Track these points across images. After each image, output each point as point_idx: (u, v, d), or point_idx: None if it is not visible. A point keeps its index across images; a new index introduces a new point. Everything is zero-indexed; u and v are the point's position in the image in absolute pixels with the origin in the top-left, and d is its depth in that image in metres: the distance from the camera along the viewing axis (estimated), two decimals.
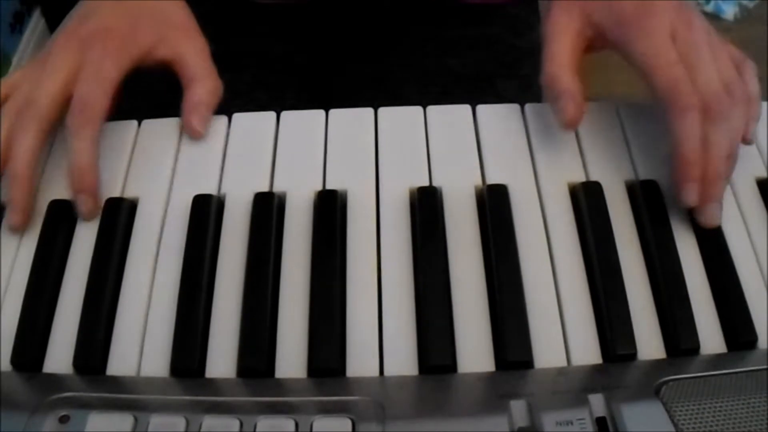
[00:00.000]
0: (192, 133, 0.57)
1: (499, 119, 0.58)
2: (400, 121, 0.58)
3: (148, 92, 0.63)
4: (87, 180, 0.53)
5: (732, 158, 0.51)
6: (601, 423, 0.40)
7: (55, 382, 0.45)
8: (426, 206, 0.52)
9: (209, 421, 0.41)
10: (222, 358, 0.46)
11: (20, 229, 0.53)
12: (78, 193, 0.53)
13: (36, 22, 1.85)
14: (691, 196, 0.49)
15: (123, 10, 0.57)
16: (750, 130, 0.52)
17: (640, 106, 0.57)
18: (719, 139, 0.50)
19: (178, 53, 0.58)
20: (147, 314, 0.48)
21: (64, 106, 0.54)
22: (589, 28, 0.55)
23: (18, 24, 1.78)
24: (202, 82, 0.58)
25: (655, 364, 0.45)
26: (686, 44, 0.52)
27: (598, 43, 0.56)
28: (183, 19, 0.61)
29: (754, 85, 0.53)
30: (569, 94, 0.53)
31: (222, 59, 0.61)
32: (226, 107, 0.59)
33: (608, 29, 0.54)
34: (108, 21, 0.56)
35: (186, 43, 0.59)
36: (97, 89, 0.53)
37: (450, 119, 0.58)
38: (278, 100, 0.78)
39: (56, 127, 0.55)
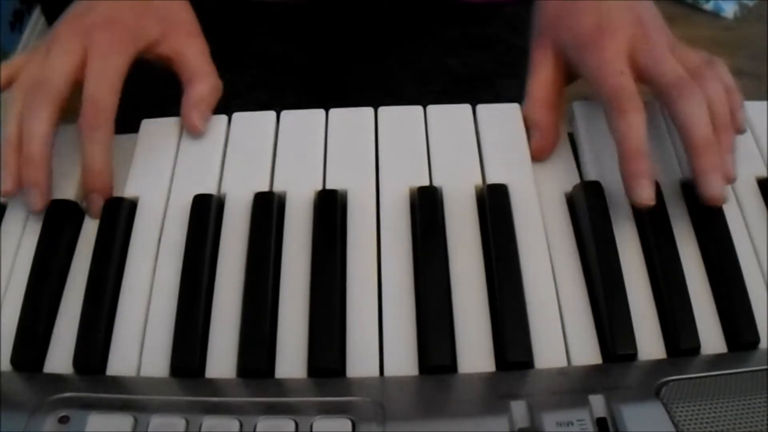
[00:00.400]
0: (192, 130, 0.57)
1: (499, 119, 0.58)
2: (401, 120, 0.58)
3: (148, 92, 0.63)
4: (101, 181, 0.53)
5: (728, 131, 0.51)
6: (601, 423, 0.40)
7: (55, 382, 0.45)
8: (426, 206, 0.52)
9: (209, 422, 0.41)
10: (222, 358, 0.46)
11: (40, 212, 0.53)
12: (92, 192, 0.53)
13: (36, 20, 1.85)
14: (643, 191, 0.49)
15: (128, 4, 0.58)
16: (739, 119, 0.53)
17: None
18: (697, 112, 0.50)
19: (178, 51, 0.59)
20: (147, 314, 0.48)
21: (75, 87, 0.54)
22: (562, 57, 0.57)
23: (18, 22, 1.78)
24: (203, 80, 0.58)
25: (656, 365, 0.45)
26: (645, 52, 0.53)
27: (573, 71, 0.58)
28: (186, 18, 0.61)
29: (728, 78, 0.54)
30: (536, 126, 0.56)
31: (222, 59, 0.61)
32: (226, 107, 0.59)
33: (569, 54, 0.56)
34: (113, 12, 0.57)
35: (187, 42, 0.59)
36: (107, 88, 0.53)
37: (450, 119, 0.58)
38: (278, 100, 0.78)
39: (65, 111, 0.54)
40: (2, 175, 0.53)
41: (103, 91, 0.53)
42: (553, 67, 0.57)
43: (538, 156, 0.55)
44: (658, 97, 0.53)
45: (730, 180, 0.51)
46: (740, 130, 0.53)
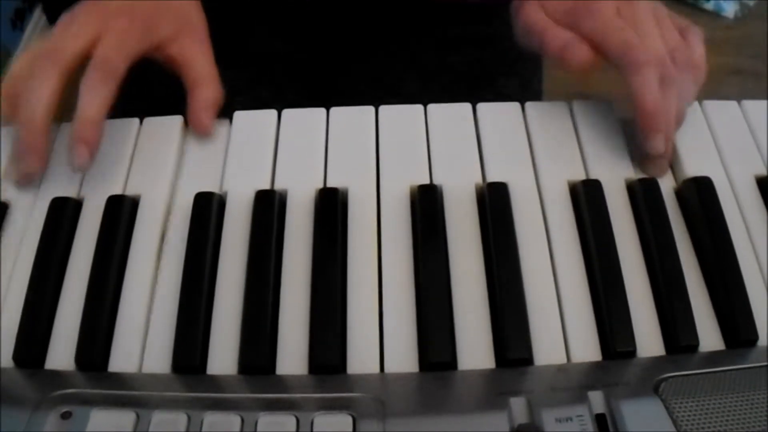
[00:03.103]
0: (204, 131, 0.57)
1: (499, 117, 0.58)
2: (401, 119, 0.58)
3: (148, 92, 0.64)
4: (90, 131, 0.52)
5: (679, 121, 0.54)
6: (600, 420, 0.40)
7: (57, 378, 0.45)
8: (426, 204, 0.52)
9: (211, 418, 0.41)
10: (223, 355, 0.46)
11: (37, 176, 0.53)
12: (77, 142, 0.52)
13: (37, 18, 1.85)
14: (658, 145, 0.52)
15: None
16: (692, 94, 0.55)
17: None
18: (668, 102, 0.52)
19: (186, 56, 0.59)
20: (149, 311, 0.48)
21: (84, 63, 0.54)
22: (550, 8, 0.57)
23: (19, 20, 1.78)
24: (208, 86, 0.58)
25: (655, 361, 0.45)
26: (630, 18, 0.54)
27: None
28: (198, 21, 0.61)
29: (700, 50, 0.55)
30: (571, 42, 0.55)
31: (224, 56, 0.61)
32: (228, 104, 0.60)
33: (560, 20, 0.56)
34: (132, 3, 0.57)
35: (196, 47, 0.60)
36: (120, 53, 0.54)
37: (450, 117, 0.58)
38: (279, 98, 0.78)
39: (70, 87, 0.54)
40: None
41: (116, 54, 0.54)
42: (542, 12, 0.57)
43: (584, 64, 0.54)
44: (613, 64, 0.54)
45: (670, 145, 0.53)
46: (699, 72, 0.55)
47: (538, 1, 0.58)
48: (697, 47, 0.55)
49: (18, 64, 0.55)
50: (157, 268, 0.50)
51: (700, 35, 0.56)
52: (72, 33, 0.55)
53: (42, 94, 0.52)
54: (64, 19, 0.57)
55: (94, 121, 0.52)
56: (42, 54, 0.54)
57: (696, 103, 0.57)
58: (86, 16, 0.56)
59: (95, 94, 0.52)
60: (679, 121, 0.54)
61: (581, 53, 0.54)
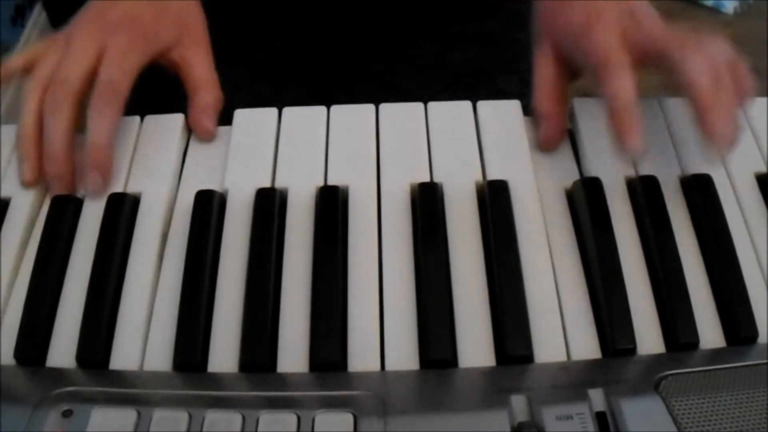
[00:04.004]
0: (205, 133, 0.58)
1: (499, 115, 0.58)
2: (401, 117, 0.58)
3: (148, 92, 0.64)
4: (102, 158, 0.54)
5: (729, 87, 0.50)
6: (600, 417, 0.40)
7: (59, 376, 0.45)
8: (427, 202, 0.52)
9: (212, 416, 0.41)
10: (224, 352, 0.46)
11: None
12: (91, 169, 0.53)
13: (37, 15, 1.85)
14: (633, 140, 0.50)
15: (147, 5, 0.58)
16: (744, 79, 0.52)
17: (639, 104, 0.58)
18: (699, 66, 0.50)
19: (188, 60, 0.60)
20: (149, 309, 0.48)
21: (91, 85, 0.54)
22: (562, 54, 0.58)
23: (19, 17, 1.78)
24: (209, 91, 0.59)
25: (655, 359, 0.45)
26: (639, 36, 0.54)
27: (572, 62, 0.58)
28: (199, 25, 0.62)
29: (729, 52, 0.53)
30: (544, 117, 0.56)
31: (225, 53, 0.61)
32: (229, 101, 0.60)
33: (566, 49, 0.57)
34: (134, 10, 0.57)
35: (197, 50, 0.60)
36: (123, 74, 0.54)
37: (451, 115, 0.58)
38: (280, 94, 0.78)
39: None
40: (24, 167, 0.54)
41: (119, 75, 0.54)
42: (554, 64, 0.58)
43: (546, 145, 0.56)
44: (663, 65, 0.52)
45: (737, 130, 0.50)
46: (750, 91, 0.53)
47: (550, 29, 0.58)
48: (726, 49, 0.54)
49: (29, 87, 0.55)
50: (158, 266, 0.50)
51: (726, 42, 0.54)
52: (76, 55, 0.55)
53: (59, 130, 0.53)
54: (68, 32, 0.57)
55: (104, 146, 0.54)
56: (52, 86, 0.54)
57: None
58: (89, 32, 0.56)
59: (103, 119, 0.53)
60: (725, 86, 0.50)
61: (546, 132, 0.56)
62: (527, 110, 0.58)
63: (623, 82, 0.51)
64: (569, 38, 0.56)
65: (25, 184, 0.54)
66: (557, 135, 0.56)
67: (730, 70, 0.51)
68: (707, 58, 0.50)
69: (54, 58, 0.56)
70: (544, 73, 0.58)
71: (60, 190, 0.54)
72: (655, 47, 0.53)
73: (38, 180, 0.54)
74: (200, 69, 0.60)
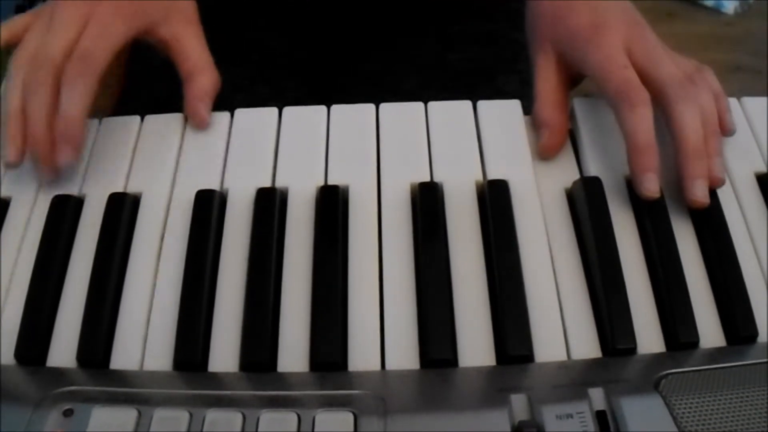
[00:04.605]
0: (200, 122, 0.57)
1: (499, 115, 0.58)
2: (402, 116, 0.58)
3: (148, 92, 0.64)
4: (72, 131, 0.52)
5: (715, 136, 0.52)
6: (600, 416, 0.40)
7: (59, 376, 0.45)
8: (427, 201, 0.52)
9: (212, 415, 0.41)
10: (225, 352, 0.46)
11: (49, 178, 0.54)
12: (61, 142, 0.52)
13: None
14: (650, 184, 0.51)
15: None
16: (726, 120, 0.54)
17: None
18: (691, 118, 0.51)
19: (178, 37, 0.59)
20: (150, 308, 0.48)
21: None
22: (563, 59, 0.57)
23: None
24: (204, 74, 0.58)
25: (655, 358, 0.45)
26: (642, 52, 0.54)
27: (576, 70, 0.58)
28: (188, 6, 0.61)
29: (717, 84, 0.55)
30: (545, 125, 0.56)
31: (224, 53, 0.61)
32: (229, 101, 0.60)
33: (569, 54, 0.57)
34: None
35: (187, 28, 0.60)
36: (102, 43, 0.54)
37: (451, 115, 0.58)
38: (280, 94, 0.78)
39: None
40: (8, 146, 0.53)
41: (99, 44, 0.53)
42: (556, 70, 0.58)
43: (545, 154, 0.56)
44: (655, 98, 0.53)
45: (718, 183, 0.52)
46: (729, 133, 0.54)
47: (550, 33, 0.58)
48: (714, 82, 0.55)
49: (14, 64, 0.54)
50: (158, 265, 0.50)
51: (712, 72, 0.56)
52: (59, 30, 0.54)
53: (40, 110, 0.52)
54: (52, 5, 0.56)
55: (76, 119, 0.52)
56: (34, 62, 0.53)
57: None
58: (72, 7, 0.55)
59: (76, 91, 0.52)
60: (710, 133, 0.52)
61: (545, 143, 0.55)
62: (527, 110, 0.58)
63: (644, 116, 0.51)
64: (573, 42, 0.56)
65: (10, 166, 0.53)
66: (558, 143, 0.56)
67: (715, 111, 0.53)
68: (699, 109, 0.52)
69: (38, 32, 0.55)
70: (546, 80, 0.58)
71: (43, 171, 0.53)
72: (654, 79, 0.53)
73: (21, 159, 0.53)
74: (193, 50, 0.59)
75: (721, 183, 0.52)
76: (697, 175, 0.51)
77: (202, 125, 0.57)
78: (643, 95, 0.52)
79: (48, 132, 0.52)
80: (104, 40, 0.54)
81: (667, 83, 0.52)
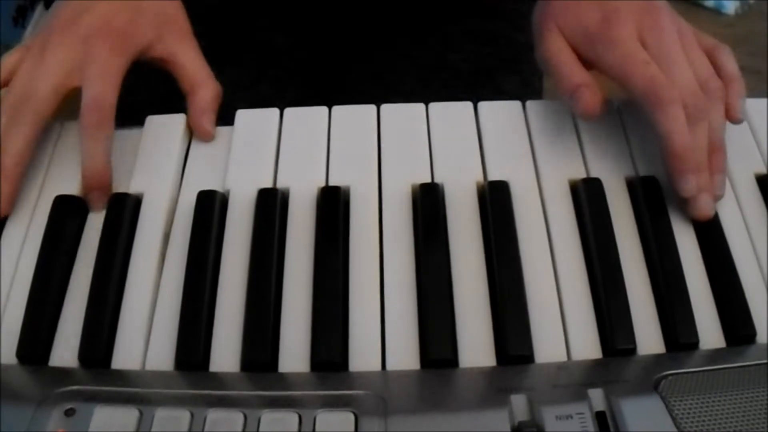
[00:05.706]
0: (205, 136, 0.58)
1: (500, 116, 0.58)
2: (402, 117, 0.58)
3: (148, 91, 0.64)
4: (101, 180, 0.54)
5: (721, 152, 0.52)
6: (600, 417, 0.40)
7: (61, 375, 0.45)
8: (428, 202, 0.52)
9: (214, 415, 0.41)
10: (226, 352, 0.46)
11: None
12: (91, 191, 0.54)
13: (39, 15, 1.85)
14: (690, 186, 0.50)
15: (121, 5, 0.57)
16: (737, 107, 0.53)
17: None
18: (700, 136, 0.51)
19: (173, 54, 0.59)
20: (152, 308, 0.49)
21: (63, 100, 0.54)
22: (576, 51, 0.56)
23: (21, 18, 1.78)
24: (205, 87, 0.58)
25: (655, 359, 0.45)
26: (657, 47, 0.52)
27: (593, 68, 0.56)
28: (180, 21, 0.61)
29: (732, 67, 0.54)
30: (582, 84, 0.53)
31: (225, 53, 0.61)
32: (230, 101, 0.60)
33: (580, 48, 0.55)
34: (108, 15, 0.56)
35: (182, 44, 0.59)
36: (108, 88, 0.54)
37: (452, 116, 0.58)
38: (281, 94, 0.78)
39: (53, 120, 0.55)
40: None
41: (104, 90, 0.53)
42: (569, 49, 0.56)
43: (592, 113, 0.53)
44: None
45: (717, 200, 0.51)
46: (735, 121, 0.53)
47: (559, 25, 0.56)
48: (729, 64, 0.54)
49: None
50: (160, 265, 0.51)
51: (728, 52, 0.54)
52: (49, 68, 0.54)
53: (14, 148, 0.52)
54: (43, 40, 0.55)
55: (102, 170, 0.54)
56: (19, 100, 0.53)
57: None
58: (64, 42, 0.55)
59: (96, 142, 0.53)
60: (716, 149, 0.52)
61: (589, 101, 0.52)
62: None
63: (676, 116, 0.50)
64: (584, 37, 0.55)
65: None
66: (600, 100, 0.53)
67: (724, 127, 0.52)
68: (706, 125, 0.51)
69: (27, 70, 0.54)
70: (561, 51, 0.55)
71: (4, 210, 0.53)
72: (628, 80, 0.52)
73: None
74: (191, 64, 0.59)
75: (719, 197, 0.52)
76: (691, 195, 0.50)
77: (206, 138, 0.58)
78: (671, 92, 0.50)
79: (15, 171, 0.52)
80: (108, 80, 0.54)
81: (682, 95, 0.51)
